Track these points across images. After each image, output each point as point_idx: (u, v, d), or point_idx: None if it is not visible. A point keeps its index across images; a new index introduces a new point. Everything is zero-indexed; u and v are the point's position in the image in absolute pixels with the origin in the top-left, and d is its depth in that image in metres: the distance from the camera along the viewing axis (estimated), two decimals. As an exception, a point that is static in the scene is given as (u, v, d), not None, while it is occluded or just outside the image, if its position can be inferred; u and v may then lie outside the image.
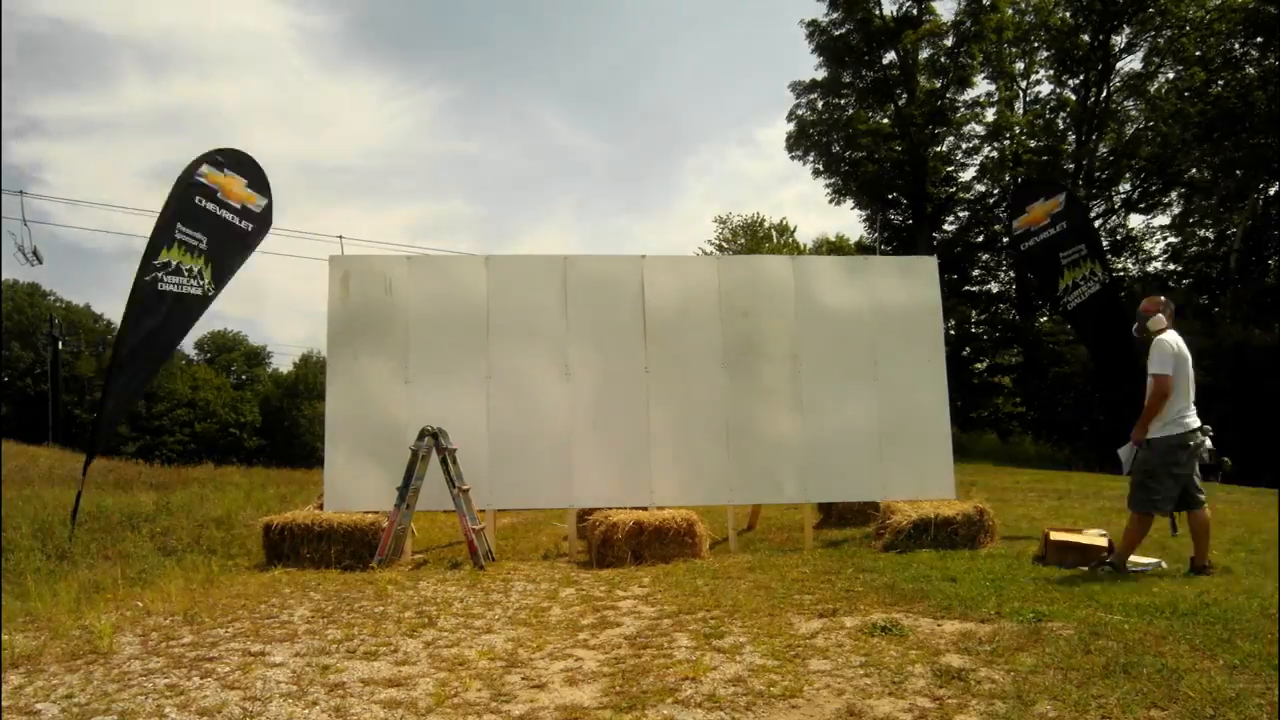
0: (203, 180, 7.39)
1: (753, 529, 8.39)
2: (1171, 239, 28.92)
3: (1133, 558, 5.61)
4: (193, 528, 8.04)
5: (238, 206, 7.61)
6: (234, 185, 7.58)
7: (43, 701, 3.28)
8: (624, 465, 7.30)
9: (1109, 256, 28.57)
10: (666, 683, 3.33)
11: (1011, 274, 30.34)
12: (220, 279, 7.57)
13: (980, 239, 31.45)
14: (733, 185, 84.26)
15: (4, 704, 3.24)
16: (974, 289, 31.92)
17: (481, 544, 6.61)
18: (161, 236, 7.15)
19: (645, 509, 6.91)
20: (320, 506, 7.09)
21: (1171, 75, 26.79)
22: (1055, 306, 8.98)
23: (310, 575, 6.17)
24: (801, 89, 31.28)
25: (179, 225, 7.23)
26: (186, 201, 7.28)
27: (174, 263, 7.22)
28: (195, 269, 7.32)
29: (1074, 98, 28.95)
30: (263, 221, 7.85)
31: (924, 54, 29.62)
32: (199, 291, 7.41)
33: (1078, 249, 8.11)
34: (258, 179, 7.78)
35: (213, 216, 7.44)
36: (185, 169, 7.35)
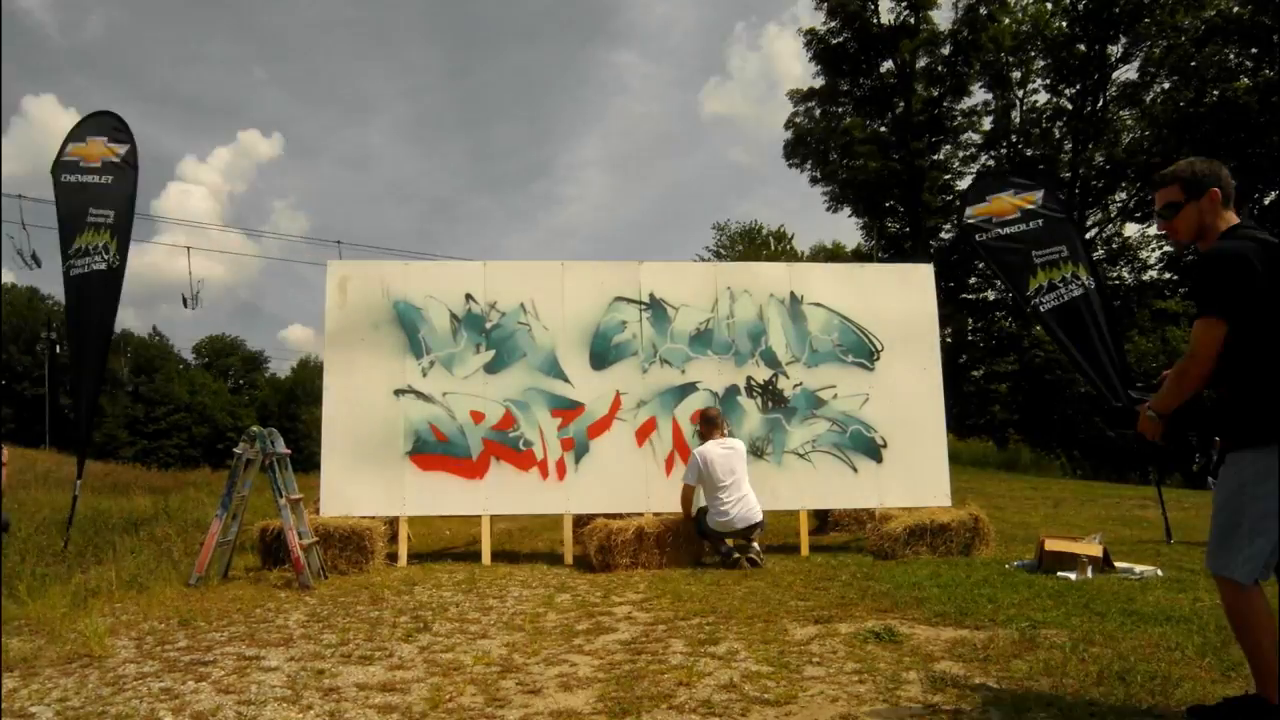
0: (68, 158, 7.55)
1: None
2: (1167, 248, 29.07)
3: (1128, 565, 5.62)
4: (189, 531, 8.03)
5: (98, 165, 7.59)
6: (94, 148, 7.60)
7: (38, 705, 3.28)
8: (621, 471, 7.31)
9: (1104, 265, 28.71)
10: (661, 689, 3.33)
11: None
12: (123, 247, 7.57)
13: (977, 246, 31.53)
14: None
15: (1, 707, 3.24)
16: (971, 297, 32.00)
17: (313, 560, 6.12)
18: (69, 226, 7.42)
19: (641, 515, 6.92)
20: (316, 510, 7.09)
21: (1167, 85, 26.96)
22: (1024, 306, 8.63)
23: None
24: (799, 97, 31.41)
25: (90, 209, 7.46)
26: (60, 186, 7.48)
27: (84, 245, 7.43)
28: (100, 244, 7.44)
29: (1070, 106, 29.11)
30: (123, 169, 7.62)
31: (921, 63, 29.78)
32: (104, 266, 7.46)
33: (1056, 250, 7.85)
34: (116, 131, 7.68)
35: (79, 187, 7.52)
36: (55, 158, 7.55)
